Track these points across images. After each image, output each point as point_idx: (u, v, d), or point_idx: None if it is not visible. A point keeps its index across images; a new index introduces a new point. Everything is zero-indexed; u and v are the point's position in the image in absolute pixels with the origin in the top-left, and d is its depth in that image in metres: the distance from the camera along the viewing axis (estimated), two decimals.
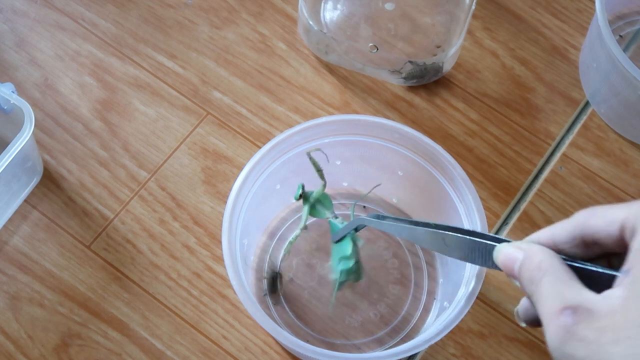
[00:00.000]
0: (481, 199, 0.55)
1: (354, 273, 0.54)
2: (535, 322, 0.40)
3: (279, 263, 0.62)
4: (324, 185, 0.54)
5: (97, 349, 0.59)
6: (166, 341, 0.59)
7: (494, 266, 0.41)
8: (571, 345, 0.33)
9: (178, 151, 0.67)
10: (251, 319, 0.60)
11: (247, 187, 0.55)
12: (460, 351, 0.60)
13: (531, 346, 0.61)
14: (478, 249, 0.42)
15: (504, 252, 0.39)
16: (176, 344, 0.59)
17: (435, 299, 0.62)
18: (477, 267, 0.52)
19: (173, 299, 0.61)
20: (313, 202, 0.55)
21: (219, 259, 0.62)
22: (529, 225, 0.65)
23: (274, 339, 0.60)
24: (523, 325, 0.41)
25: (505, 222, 0.66)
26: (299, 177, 0.61)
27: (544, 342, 0.61)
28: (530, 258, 0.37)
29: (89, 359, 0.58)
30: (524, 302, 0.41)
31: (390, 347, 0.60)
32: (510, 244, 0.40)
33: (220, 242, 0.63)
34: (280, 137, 0.56)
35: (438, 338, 0.49)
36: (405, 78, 0.70)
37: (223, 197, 0.65)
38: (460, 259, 0.44)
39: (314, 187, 0.55)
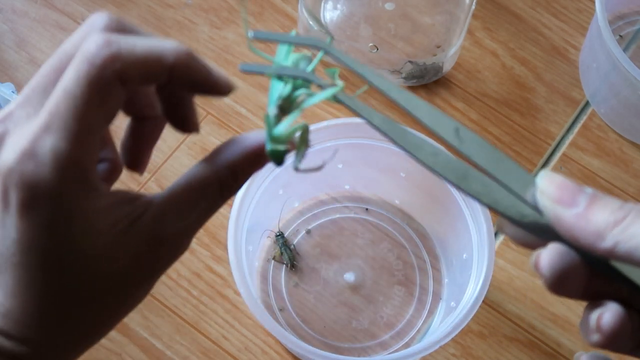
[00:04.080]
0: None
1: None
2: None
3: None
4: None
5: (97, 349, 0.59)
6: (166, 341, 0.59)
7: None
8: None
9: (178, 151, 0.67)
10: (251, 319, 0.60)
11: (250, 194, 0.55)
12: (460, 351, 0.60)
13: (531, 346, 0.61)
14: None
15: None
16: (176, 344, 0.59)
17: (441, 299, 0.62)
18: (484, 268, 0.52)
19: (173, 299, 0.61)
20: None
21: (219, 259, 0.62)
22: None
23: (274, 339, 0.60)
24: None
25: None
26: (301, 181, 0.61)
27: (544, 342, 0.61)
28: None
29: (89, 358, 0.58)
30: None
31: (395, 350, 0.60)
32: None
33: (220, 242, 0.63)
34: None
35: (447, 340, 0.49)
36: (405, 78, 0.70)
37: None
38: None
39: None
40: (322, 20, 0.71)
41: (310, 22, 0.69)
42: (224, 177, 0.31)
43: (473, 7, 0.67)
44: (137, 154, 0.34)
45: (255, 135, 0.31)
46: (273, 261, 0.62)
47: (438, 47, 0.70)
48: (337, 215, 0.64)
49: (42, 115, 0.27)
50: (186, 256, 0.62)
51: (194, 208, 0.30)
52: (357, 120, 0.58)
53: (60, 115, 0.27)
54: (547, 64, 0.73)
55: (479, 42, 0.74)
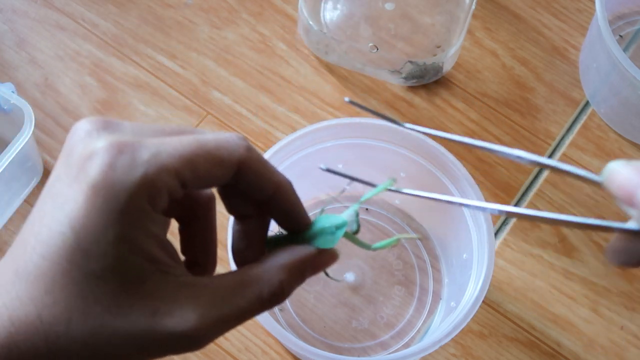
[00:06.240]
0: None
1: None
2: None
3: None
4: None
5: None
6: None
7: None
8: None
9: None
10: (251, 319, 0.60)
11: None
12: (460, 351, 0.60)
13: (531, 346, 0.61)
14: None
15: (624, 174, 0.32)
16: None
17: (441, 299, 0.62)
18: (484, 268, 0.52)
19: None
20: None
21: (219, 259, 0.62)
22: (529, 226, 0.65)
23: (274, 339, 0.60)
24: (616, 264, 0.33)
25: (505, 222, 0.66)
26: (301, 181, 0.61)
27: (544, 342, 0.61)
28: None
29: None
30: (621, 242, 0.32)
31: (395, 350, 0.60)
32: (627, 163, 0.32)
33: (220, 242, 0.63)
34: (283, 142, 0.56)
35: (447, 340, 0.49)
36: (405, 78, 0.70)
37: None
38: None
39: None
40: (322, 20, 0.71)
41: (310, 22, 0.69)
42: (271, 280, 0.33)
43: (473, 7, 0.67)
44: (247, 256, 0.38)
45: (307, 247, 0.36)
46: None
47: (438, 47, 0.70)
48: None
49: (167, 139, 0.30)
50: None
51: (230, 303, 0.32)
52: (357, 120, 0.58)
53: (182, 146, 0.29)
54: (547, 64, 0.73)
55: (479, 42, 0.74)
